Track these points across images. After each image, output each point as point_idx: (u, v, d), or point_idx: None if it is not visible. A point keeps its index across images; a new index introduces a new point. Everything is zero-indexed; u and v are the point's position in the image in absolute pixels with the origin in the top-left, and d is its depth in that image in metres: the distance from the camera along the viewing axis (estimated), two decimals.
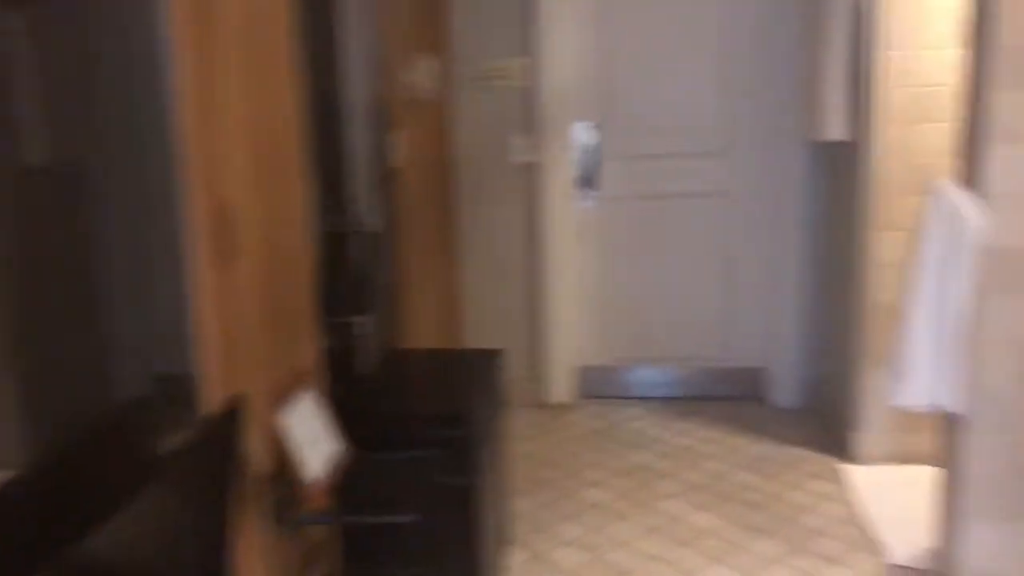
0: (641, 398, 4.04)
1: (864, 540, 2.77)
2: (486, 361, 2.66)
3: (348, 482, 1.98)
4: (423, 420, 2.25)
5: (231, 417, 1.38)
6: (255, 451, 1.62)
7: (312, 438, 1.78)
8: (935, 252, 2.31)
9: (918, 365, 2.34)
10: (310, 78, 2.45)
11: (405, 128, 3.01)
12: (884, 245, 3.14)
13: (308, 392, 1.85)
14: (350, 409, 2.33)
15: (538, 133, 3.80)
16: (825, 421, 3.68)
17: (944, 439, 2.48)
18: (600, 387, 4.08)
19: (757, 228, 3.87)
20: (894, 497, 3.00)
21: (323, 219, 2.61)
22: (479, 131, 3.84)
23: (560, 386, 3.99)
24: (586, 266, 3.98)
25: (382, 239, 2.80)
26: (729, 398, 3.99)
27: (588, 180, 3.90)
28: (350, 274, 2.66)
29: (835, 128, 3.24)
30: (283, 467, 1.70)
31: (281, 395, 1.73)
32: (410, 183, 3.07)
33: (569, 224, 3.89)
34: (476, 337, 3.95)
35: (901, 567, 2.60)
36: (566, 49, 3.78)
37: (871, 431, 3.27)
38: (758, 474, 3.26)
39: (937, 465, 3.14)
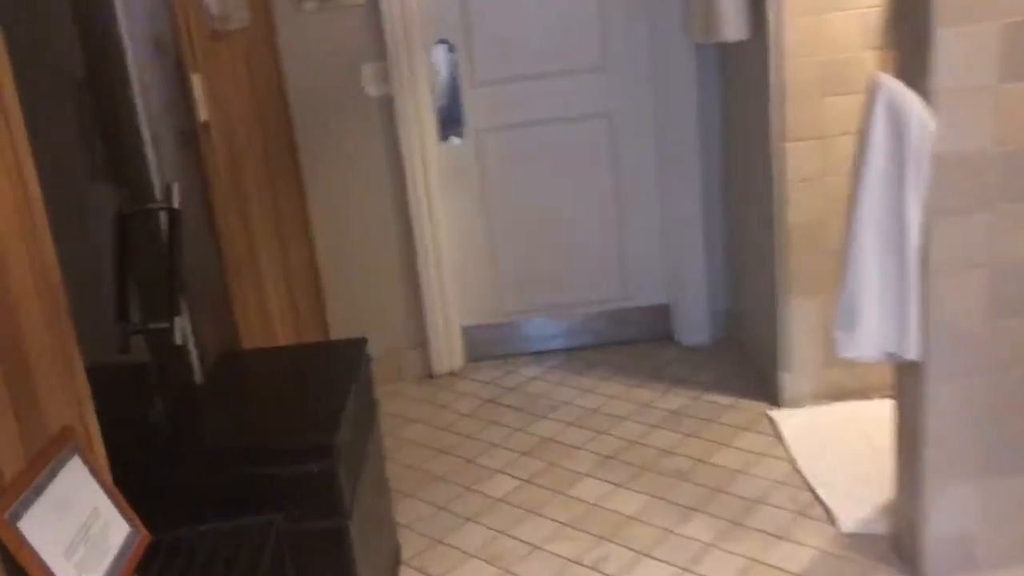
0: (537, 353, 3.58)
1: (809, 504, 2.40)
2: (347, 356, 2.12)
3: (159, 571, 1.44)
4: (266, 457, 1.72)
5: None
6: None
7: (78, 536, 1.23)
8: (879, 166, 1.88)
9: (867, 307, 1.93)
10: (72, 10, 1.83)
11: (213, 70, 2.38)
12: (799, 157, 2.72)
13: (69, 464, 1.29)
14: (162, 456, 1.77)
15: (390, 60, 3.20)
16: (744, 359, 3.31)
17: (898, 385, 2.10)
18: (491, 347, 3.59)
19: (648, 149, 3.41)
20: (834, 444, 2.65)
21: (106, 198, 2.00)
22: (323, 62, 3.20)
23: (446, 352, 3.49)
24: (460, 212, 3.45)
25: (191, 215, 2.20)
26: (634, 341, 3.58)
27: (452, 110, 3.34)
28: (149, 266, 2.07)
29: (730, 27, 2.77)
30: None
31: (13, 486, 1.16)
32: (229, 138, 2.45)
33: (435, 164, 3.34)
34: (342, 311, 3.39)
35: (858, 535, 2.24)
36: None
37: (799, 369, 2.90)
38: (679, 432, 2.86)
39: (874, 398, 2.81)
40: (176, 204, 2.08)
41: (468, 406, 3.21)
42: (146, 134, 2.11)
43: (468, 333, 3.56)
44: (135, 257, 2.05)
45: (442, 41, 3.27)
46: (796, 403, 2.91)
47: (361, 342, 2.20)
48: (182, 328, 1.97)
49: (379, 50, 3.19)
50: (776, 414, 2.88)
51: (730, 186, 3.31)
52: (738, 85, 3.07)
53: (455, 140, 3.35)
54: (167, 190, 2.09)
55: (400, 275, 3.41)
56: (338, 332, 3.41)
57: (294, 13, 3.14)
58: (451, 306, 3.46)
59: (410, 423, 3.13)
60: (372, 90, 3.22)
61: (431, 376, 3.48)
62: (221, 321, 2.25)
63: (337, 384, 1.95)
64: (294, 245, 3.05)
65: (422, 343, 3.47)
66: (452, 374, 3.49)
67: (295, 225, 3.12)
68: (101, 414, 1.42)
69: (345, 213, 3.34)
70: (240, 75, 2.64)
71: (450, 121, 3.33)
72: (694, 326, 3.50)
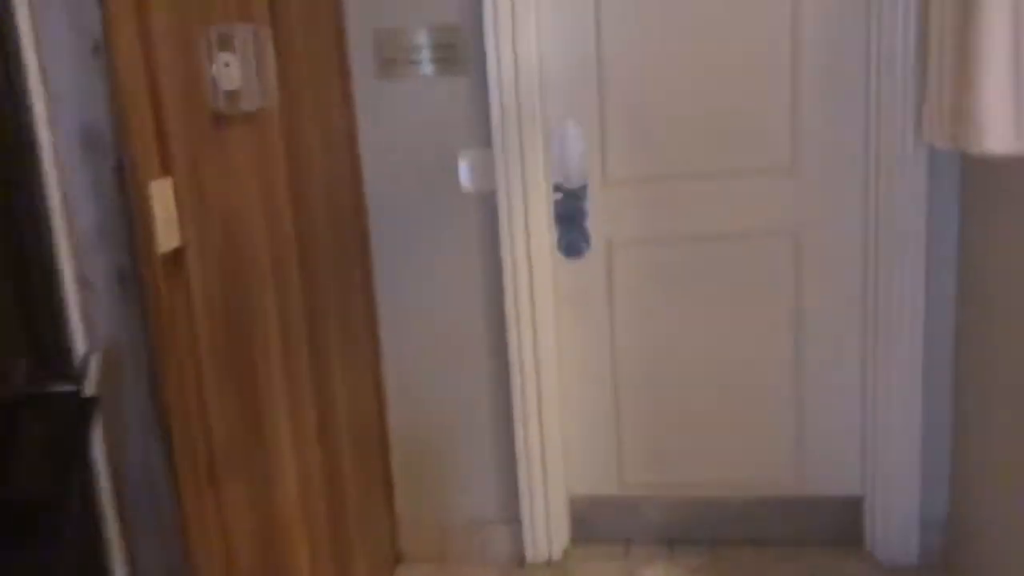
0: (669, 543, 2.65)
1: None
2: None
3: None
4: None
5: None
6: None
7: None
8: None
9: None
10: None
11: (210, 169, 1.64)
12: None
13: None
14: None
15: (496, 145, 2.40)
16: None
17: None
18: (607, 527, 2.69)
19: (850, 285, 2.45)
20: None
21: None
22: (405, 149, 2.45)
23: (544, 533, 2.61)
24: (576, 348, 2.59)
25: (133, 396, 1.45)
26: (807, 544, 2.59)
27: (576, 216, 2.50)
28: (37, 486, 1.33)
29: (996, 133, 1.81)
30: None
31: None
32: (225, 267, 1.70)
33: (547, 284, 2.51)
34: (413, 470, 2.60)
35: None
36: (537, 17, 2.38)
37: None
38: None
39: None
40: (90, 389, 1.34)
41: None
42: (65, 273, 1.39)
43: (577, 505, 2.68)
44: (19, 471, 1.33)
45: (565, 125, 2.45)
46: None
47: None
48: None
49: (482, 133, 2.40)
50: None
51: (968, 351, 2.30)
52: (996, 213, 2.08)
53: (576, 254, 2.51)
54: (83, 363, 1.36)
55: (491, 426, 2.58)
56: (406, 498, 2.62)
57: (373, 84, 2.41)
58: (555, 472, 2.59)
59: None
60: (469, 184, 2.43)
61: (522, 565, 2.61)
62: (166, 557, 1.48)
63: None
64: (348, 391, 2.28)
65: (514, 518, 2.62)
66: (550, 563, 2.61)
67: (355, 369, 2.35)
68: None
69: (423, 343, 2.55)
70: (267, 171, 1.89)
71: (570, 229, 2.49)
72: (897, 535, 2.48)
